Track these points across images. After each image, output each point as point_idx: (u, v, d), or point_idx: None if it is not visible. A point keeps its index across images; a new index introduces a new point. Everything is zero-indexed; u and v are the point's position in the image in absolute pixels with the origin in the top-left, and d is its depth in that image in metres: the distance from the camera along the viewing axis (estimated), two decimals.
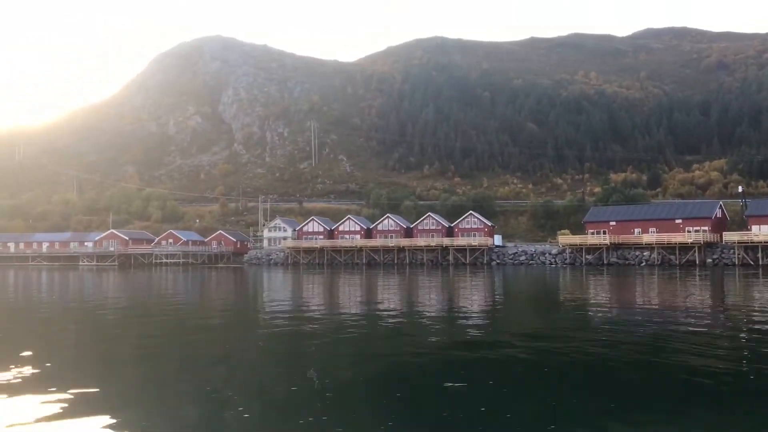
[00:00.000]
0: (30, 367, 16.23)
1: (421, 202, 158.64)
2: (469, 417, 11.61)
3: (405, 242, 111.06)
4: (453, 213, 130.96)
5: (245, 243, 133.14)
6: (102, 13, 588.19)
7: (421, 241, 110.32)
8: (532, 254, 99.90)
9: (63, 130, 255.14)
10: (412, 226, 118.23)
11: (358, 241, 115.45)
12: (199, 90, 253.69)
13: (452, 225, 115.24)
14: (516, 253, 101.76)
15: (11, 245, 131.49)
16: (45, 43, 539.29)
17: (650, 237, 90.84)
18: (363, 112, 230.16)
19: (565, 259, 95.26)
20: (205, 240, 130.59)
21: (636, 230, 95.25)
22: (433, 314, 30.24)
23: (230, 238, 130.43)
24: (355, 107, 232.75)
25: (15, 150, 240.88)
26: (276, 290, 51.57)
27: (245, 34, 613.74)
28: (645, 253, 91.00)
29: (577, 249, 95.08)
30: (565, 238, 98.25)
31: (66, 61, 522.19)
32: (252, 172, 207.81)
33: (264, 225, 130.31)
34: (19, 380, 14.54)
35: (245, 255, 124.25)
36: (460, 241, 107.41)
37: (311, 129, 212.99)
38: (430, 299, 39.48)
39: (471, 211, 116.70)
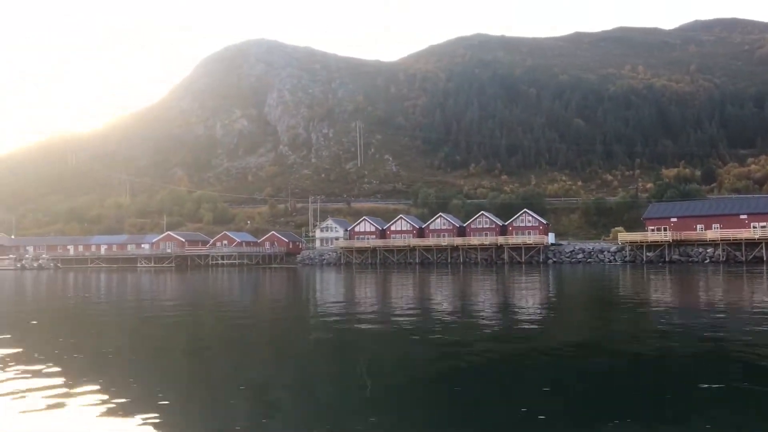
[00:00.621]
0: (82, 365, 16.51)
1: (469, 201, 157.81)
2: (515, 419, 11.48)
3: (458, 241, 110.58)
4: (502, 211, 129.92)
5: (297, 243, 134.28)
6: (148, 19, 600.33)
7: (474, 240, 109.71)
8: (590, 252, 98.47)
9: (113, 135, 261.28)
10: (464, 225, 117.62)
11: (411, 240, 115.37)
12: (245, 93, 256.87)
13: (506, 223, 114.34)
14: (573, 251, 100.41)
15: (71, 248, 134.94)
16: (93, 49, 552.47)
17: (714, 233, 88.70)
18: (407, 112, 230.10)
19: (625, 257, 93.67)
20: (258, 241, 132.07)
21: (698, 226, 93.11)
22: (488, 314, 29.41)
23: (283, 238, 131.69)
24: (399, 107, 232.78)
25: (68, 155, 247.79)
26: (330, 290, 51.59)
27: (288, 37, 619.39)
28: (708, 250, 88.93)
29: (638, 246, 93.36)
30: (625, 235, 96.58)
31: (113, 66, 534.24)
32: (298, 173, 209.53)
33: (316, 225, 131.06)
34: (71, 377, 14.81)
35: (298, 255, 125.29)
36: (515, 239, 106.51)
37: (356, 129, 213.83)
38: (484, 298, 38.66)
39: (525, 209, 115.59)
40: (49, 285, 64.14)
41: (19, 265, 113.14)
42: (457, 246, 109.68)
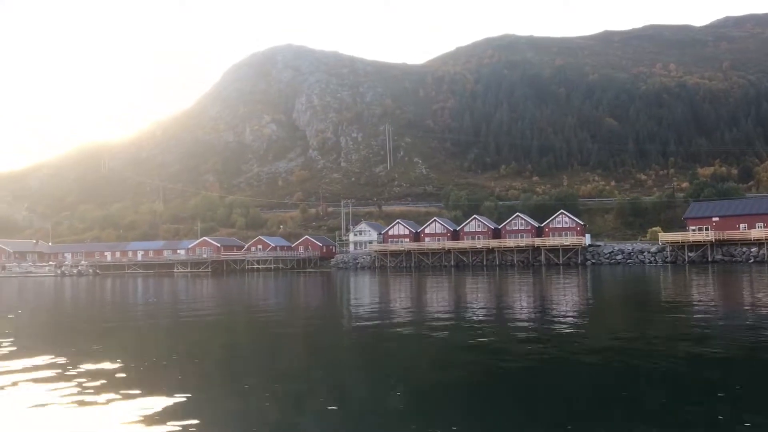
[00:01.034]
0: (117, 371, 16.33)
1: (501, 203, 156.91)
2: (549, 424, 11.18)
3: (494, 243, 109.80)
4: (536, 213, 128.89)
5: (330, 247, 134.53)
6: (175, 27, 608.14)
7: (510, 242, 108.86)
8: (630, 253, 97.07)
9: (144, 143, 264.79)
10: (500, 227, 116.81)
11: (446, 243, 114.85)
12: (273, 98, 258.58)
13: (542, 225, 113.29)
14: (612, 252, 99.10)
15: (108, 254, 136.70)
16: (122, 58, 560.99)
17: (759, 232, 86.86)
18: (436, 114, 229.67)
19: (666, 257, 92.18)
20: (292, 245, 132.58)
21: (741, 225, 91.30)
22: (526, 316, 28.80)
23: (316, 242, 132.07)
24: (428, 109, 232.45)
25: (101, 162, 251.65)
26: (365, 294, 51.30)
27: (315, 42, 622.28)
28: (753, 250, 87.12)
29: (679, 246, 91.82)
30: (666, 236, 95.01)
31: (143, 74, 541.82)
32: (328, 177, 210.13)
33: (349, 229, 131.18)
34: (106, 382, 14.87)
35: (332, 259, 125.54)
36: (552, 241, 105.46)
37: (385, 133, 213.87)
38: (522, 301, 38.02)
39: (562, 210, 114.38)
40: (104, 291, 64.91)
41: (59, 272, 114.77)
42: (492, 248, 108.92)
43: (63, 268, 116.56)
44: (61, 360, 17.84)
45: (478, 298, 41.03)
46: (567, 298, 39.37)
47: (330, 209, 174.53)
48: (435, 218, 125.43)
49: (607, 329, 24.52)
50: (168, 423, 11.41)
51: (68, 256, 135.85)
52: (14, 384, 14.82)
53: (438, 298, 42.08)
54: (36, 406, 12.68)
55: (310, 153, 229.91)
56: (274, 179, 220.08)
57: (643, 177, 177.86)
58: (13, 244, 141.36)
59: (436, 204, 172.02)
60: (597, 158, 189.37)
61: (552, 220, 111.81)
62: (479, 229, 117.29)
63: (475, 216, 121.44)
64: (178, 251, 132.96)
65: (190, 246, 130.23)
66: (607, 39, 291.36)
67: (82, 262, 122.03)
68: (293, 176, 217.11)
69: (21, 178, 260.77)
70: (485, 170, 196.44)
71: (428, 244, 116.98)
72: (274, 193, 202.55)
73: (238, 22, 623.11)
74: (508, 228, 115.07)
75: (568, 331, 23.70)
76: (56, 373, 15.95)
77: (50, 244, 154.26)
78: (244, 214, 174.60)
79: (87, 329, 28.47)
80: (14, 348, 21.02)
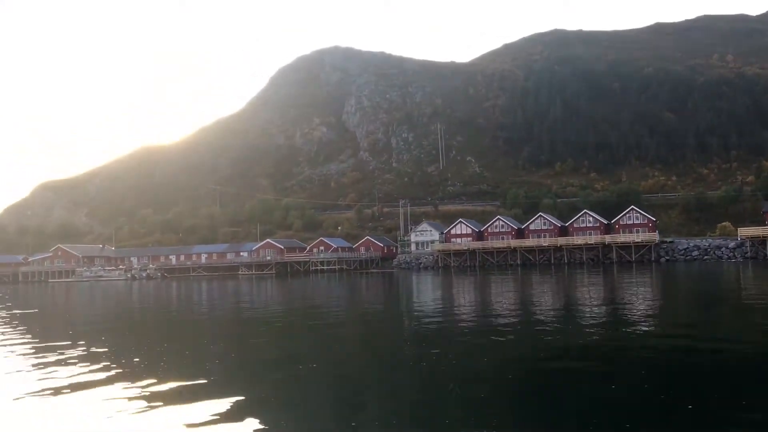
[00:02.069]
0: (183, 375, 16.07)
1: (560, 200, 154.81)
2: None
3: (561, 241, 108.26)
4: (598, 209, 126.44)
5: (391, 248, 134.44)
6: (216, 33, 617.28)
7: (579, 240, 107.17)
8: (707, 249, 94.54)
9: (195, 147, 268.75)
10: (566, 225, 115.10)
11: (511, 241, 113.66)
12: (323, 101, 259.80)
13: (611, 222, 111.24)
14: (687, 248, 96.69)
15: (173, 258, 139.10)
16: (164, 64, 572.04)
17: None
18: (487, 112, 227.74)
19: (746, 253, 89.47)
20: (353, 246, 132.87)
21: None
22: (602, 318, 26.77)
23: (378, 243, 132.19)
24: (479, 107, 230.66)
25: (154, 168, 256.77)
26: (428, 294, 50.67)
27: (362, 43, 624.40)
28: None
29: (760, 241, 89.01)
30: (746, 230, 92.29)
31: (191, 78, 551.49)
32: (380, 177, 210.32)
33: (411, 229, 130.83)
34: (170, 381, 14.99)
35: (394, 260, 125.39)
36: (623, 238, 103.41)
37: (436, 132, 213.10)
38: (594, 300, 36.24)
39: (633, 206, 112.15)
40: (182, 294, 65.81)
41: (129, 276, 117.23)
42: (560, 246, 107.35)
43: (132, 272, 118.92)
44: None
45: (546, 298, 39.61)
46: (640, 297, 37.73)
47: (386, 210, 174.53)
48: (498, 216, 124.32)
49: (686, 329, 22.55)
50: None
51: (134, 259, 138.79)
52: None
53: (504, 299, 40.61)
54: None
55: (360, 154, 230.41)
56: (326, 181, 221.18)
57: (705, 171, 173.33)
58: (81, 248, 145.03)
59: (492, 203, 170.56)
60: (656, 153, 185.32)
61: (622, 216, 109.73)
62: (545, 227, 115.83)
63: (540, 213, 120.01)
64: (241, 254, 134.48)
65: (254, 248, 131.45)
66: (660, 31, 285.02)
67: (150, 266, 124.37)
68: (345, 178, 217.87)
69: (79, 185, 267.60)
70: (539, 168, 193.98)
71: (492, 242, 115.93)
72: (326, 195, 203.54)
73: (282, 26, 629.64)
74: (575, 225, 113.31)
75: (645, 330, 22.34)
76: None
77: (113, 248, 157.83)
78: (300, 216, 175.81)
79: (206, 331, 28.60)
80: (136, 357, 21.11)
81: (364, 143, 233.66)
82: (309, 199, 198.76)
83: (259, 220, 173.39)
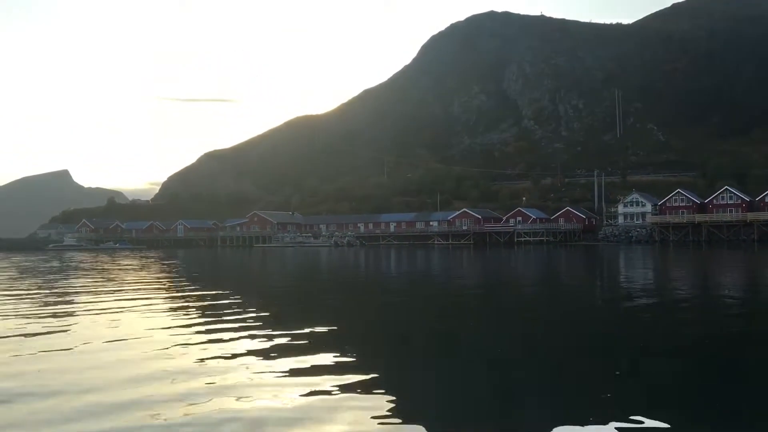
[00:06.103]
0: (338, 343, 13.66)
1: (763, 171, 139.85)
2: None
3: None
4: None
5: (591, 220, 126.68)
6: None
7: None
8: None
9: (351, 116, 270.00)
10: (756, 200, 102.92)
11: (748, 215, 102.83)
12: (481, 68, 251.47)
13: None
14: None
15: (361, 226, 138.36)
16: (322, 29, 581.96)
17: None
18: (668, 76, 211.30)
19: None
20: (551, 218, 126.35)
21: None
22: None
23: (579, 215, 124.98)
24: (657, 71, 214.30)
25: (313, 137, 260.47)
26: (676, 272, 41.70)
27: (516, 6, 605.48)
28: None
29: None
30: None
31: (337, 50, 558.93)
32: (549, 147, 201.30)
33: (619, 200, 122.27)
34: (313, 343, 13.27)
35: (599, 232, 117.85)
36: None
37: (611, 98, 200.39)
38: None
39: None
40: (402, 261, 62.08)
41: (332, 242, 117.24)
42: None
43: (335, 239, 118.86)
44: None
45: None
46: None
47: (567, 180, 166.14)
48: (726, 187, 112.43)
49: None
50: None
51: (323, 227, 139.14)
52: None
53: (734, 281, 32.30)
54: None
55: (524, 123, 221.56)
56: (489, 151, 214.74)
57: None
58: (276, 215, 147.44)
59: (684, 173, 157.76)
60: None
61: None
62: (731, 201, 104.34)
63: (726, 187, 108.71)
64: (431, 223, 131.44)
65: (450, 217, 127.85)
66: None
67: (349, 233, 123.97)
68: (509, 147, 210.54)
69: (241, 154, 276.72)
70: (733, 135, 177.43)
71: (722, 215, 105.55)
72: (490, 165, 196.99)
73: None
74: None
75: None
76: None
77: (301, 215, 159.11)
78: (474, 186, 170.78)
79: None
80: None
81: (527, 111, 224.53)
82: (471, 169, 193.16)
83: (429, 190, 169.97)
